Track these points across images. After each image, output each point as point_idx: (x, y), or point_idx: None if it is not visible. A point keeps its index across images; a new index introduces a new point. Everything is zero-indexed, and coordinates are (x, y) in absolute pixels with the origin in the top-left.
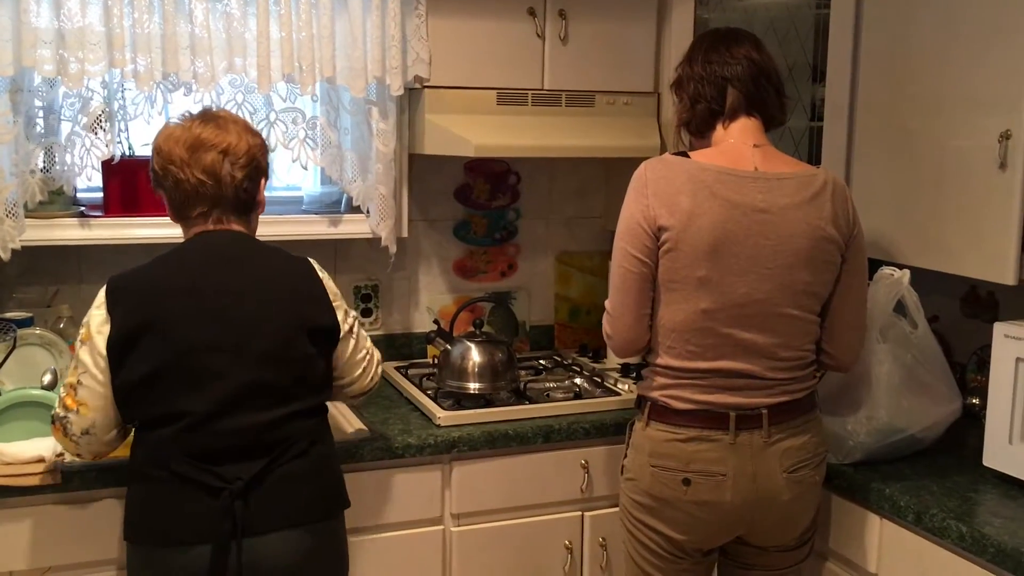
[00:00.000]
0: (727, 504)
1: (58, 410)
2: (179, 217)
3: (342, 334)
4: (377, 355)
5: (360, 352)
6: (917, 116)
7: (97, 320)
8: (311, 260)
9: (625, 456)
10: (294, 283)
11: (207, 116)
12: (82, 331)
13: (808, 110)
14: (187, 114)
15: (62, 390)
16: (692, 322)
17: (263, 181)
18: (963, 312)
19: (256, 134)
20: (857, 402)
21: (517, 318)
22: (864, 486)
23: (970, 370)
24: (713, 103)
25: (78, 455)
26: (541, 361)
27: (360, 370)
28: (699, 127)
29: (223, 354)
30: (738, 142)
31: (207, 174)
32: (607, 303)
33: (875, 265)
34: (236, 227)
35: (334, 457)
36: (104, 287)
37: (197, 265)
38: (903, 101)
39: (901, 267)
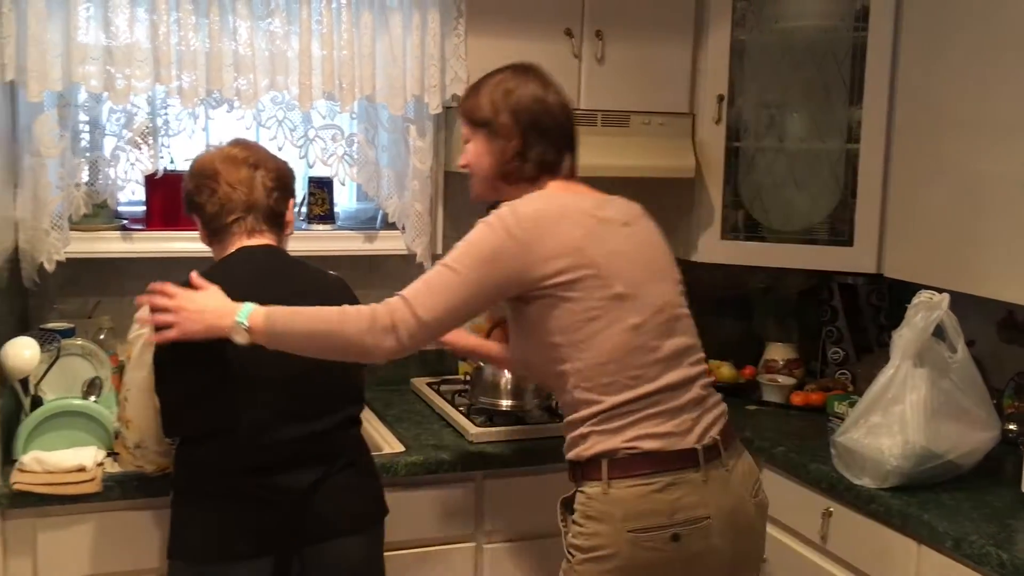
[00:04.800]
0: (716, 549)
1: (116, 423)
2: (214, 231)
3: None
4: None
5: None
6: (955, 139)
7: (141, 340)
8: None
9: (574, 535)
10: (331, 294)
11: (238, 141)
12: (128, 348)
13: (844, 132)
14: (221, 142)
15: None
16: (626, 343)
17: (291, 202)
18: (1000, 337)
19: (284, 161)
20: (893, 426)
21: None
22: (901, 511)
23: (1007, 396)
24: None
25: (139, 467)
26: None
27: None
28: (548, 169)
29: (270, 365)
30: (563, 178)
31: (240, 183)
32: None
33: (912, 288)
34: (270, 239)
35: (375, 465)
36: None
37: (242, 278)
38: (941, 124)
39: (938, 291)
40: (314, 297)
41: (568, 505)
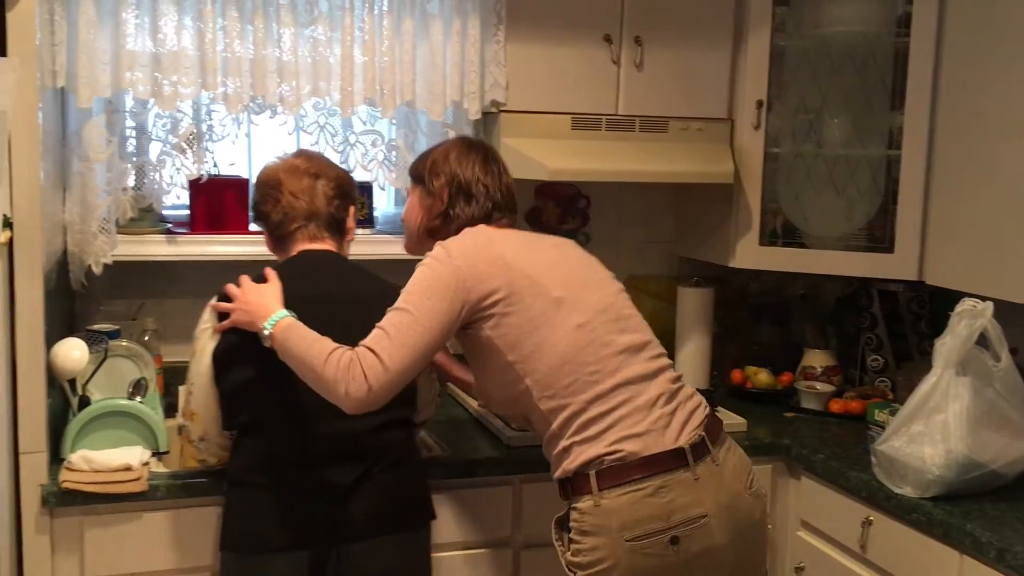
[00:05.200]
0: (717, 548)
1: (179, 419)
2: (279, 238)
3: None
4: (438, 386)
5: (433, 387)
6: (999, 144)
7: (207, 333)
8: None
9: (572, 553)
10: (382, 301)
11: (301, 152)
12: (194, 345)
13: (885, 138)
14: (285, 153)
15: (181, 400)
16: (575, 342)
17: (352, 209)
18: None
19: (345, 170)
20: (936, 435)
21: None
22: (944, 521)
23: None
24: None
25: (203, 460)
26: None
27: (428, 402)
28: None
29: None
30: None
31: (302, 192)
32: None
33: (954, 296)
34: (331, 245)
35: (424, 470)
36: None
37: (302, 277)
38: (984, 129)
39: (981, 299)
40: (363, 302)
41: (563, 524)
